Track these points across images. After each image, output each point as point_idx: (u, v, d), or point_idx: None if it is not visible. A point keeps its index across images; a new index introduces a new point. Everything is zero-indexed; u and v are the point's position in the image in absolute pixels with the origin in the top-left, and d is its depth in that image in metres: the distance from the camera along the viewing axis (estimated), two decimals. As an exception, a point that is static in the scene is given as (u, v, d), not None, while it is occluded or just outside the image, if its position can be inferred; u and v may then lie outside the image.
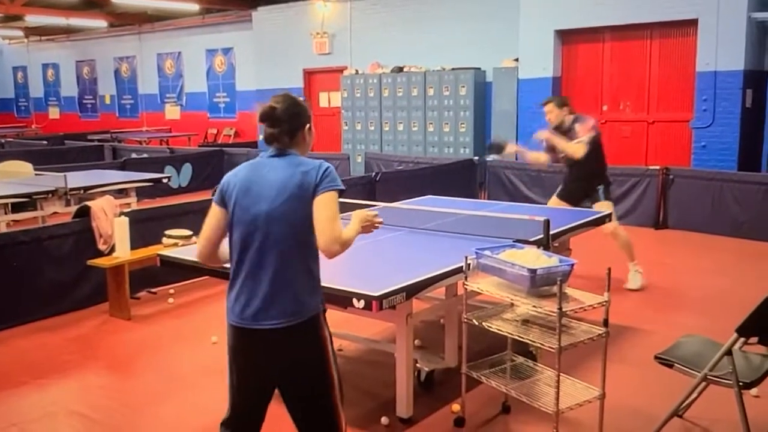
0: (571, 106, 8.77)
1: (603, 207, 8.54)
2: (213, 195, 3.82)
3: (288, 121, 3.73)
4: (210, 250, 3.84)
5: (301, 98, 3.91)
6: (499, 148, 9.41)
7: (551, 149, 8.91)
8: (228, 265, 3.81)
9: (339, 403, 3.76)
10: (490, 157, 14.33)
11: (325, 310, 3.75)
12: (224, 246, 3.84)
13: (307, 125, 3.83)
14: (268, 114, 3.73)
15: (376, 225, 3.99)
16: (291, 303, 3.57)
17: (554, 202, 9.03)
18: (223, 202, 3.74)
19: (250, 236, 3.61)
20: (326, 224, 3.52)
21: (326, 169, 3.64)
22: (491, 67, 17.52)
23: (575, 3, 15.25)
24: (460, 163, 15.32)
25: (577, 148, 8.48)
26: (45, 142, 22.58)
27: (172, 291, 8.77)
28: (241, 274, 3.66)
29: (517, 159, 14.22)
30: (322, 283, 3.78)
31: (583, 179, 8.74)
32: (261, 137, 3.81)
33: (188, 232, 8.31)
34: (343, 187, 3.68)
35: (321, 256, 3.66)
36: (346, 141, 20.07)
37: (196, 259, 4.02)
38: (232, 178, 3.76)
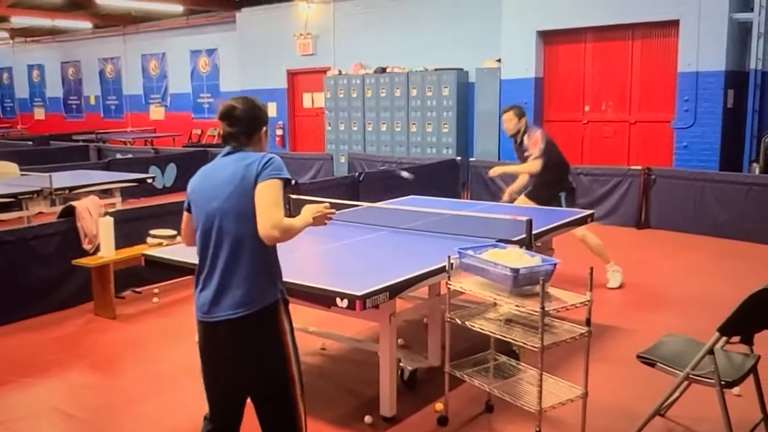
0: (526, 119, 8.87)
1: None
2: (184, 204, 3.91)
3: (246, 122, 3.80)
4: (191, 242, 3.95)
5: (260, 102, 3.96)
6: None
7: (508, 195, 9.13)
8: None
9: (299, 400, 3.77)
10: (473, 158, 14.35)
11: (286, 301, 3.77)
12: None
13: (264, 128, 3.90)
14: (228, 112, 3.80)
15: (329, 216, 3.95)
16: (242, 293, 3.61)
17: (523, 201, 9.09)
18: (188, 205, 3.89)
19: (206, 233, 3.71)
20: (263, 210, 3.54)
21: (269, 160, 3.67)
22: (474, 68, 17.57)
23: (557, 4, 15.29)
24: (442, 164, 15.36)
25: (532, 166, 8.55)
26: (30, 142, 22.52)
27: (156, 290, 8.76)
28: (201, 270, 3.75)
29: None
30: (307, 283, 3.80)
31: (543, 187, 8.78)
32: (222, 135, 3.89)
33: (173, 232, 8.32)
34: (287, 176, 3.69)
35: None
36: (330, 141, 20.05)
37: (180, 259, 4.04)
38: (192, 182, 3.88)
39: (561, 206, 8.63)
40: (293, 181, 3.79)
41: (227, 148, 3.82)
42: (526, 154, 8.66)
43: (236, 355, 3.68)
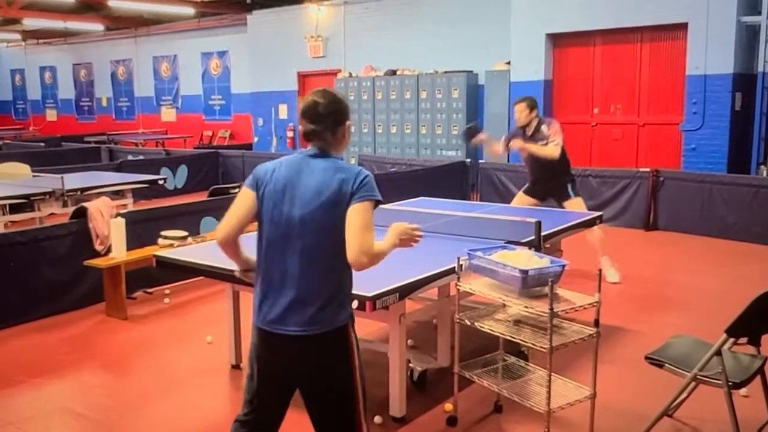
0: (538, 110, 8.91)
1: (575, 204, 8.68)
2: (246, 181, 3.65)
3: (331, 118, 3.61)
4: (234, 234, 3.67)
5: (341, 94, 3.77)
6: (473, 134, 9.45)
7: (509, 143, 9.08)
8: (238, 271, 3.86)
9: (362, 416, 3.66)
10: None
11: (353, 321, 3.67)
12: (245, 246, 3.76)
13: (348, 122, 3.70)
14: (311, 109, 3.61)
15: (416, 239, 3.84)
16: (315, 312, 3.48)
17: (520, 199, 9.14)
18: (256, 189, 3.62)
19: (280, 239, 3.53)
20: (356, 235, 3.40)
21: (364, 178, 3.50)
22: (483, 70, 17.60)
23: (566, 7, 15.31)
24: (452, 165, 15.38)
25: (552, 151, 8.61)
26: (42, 144, 22.62)
27: (167, 291, 8.81)
28: (269, 276, 3.59)
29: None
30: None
31: (552, 178, 8.88)
32: (300, 132, 3.68)
33: (184, 233, 8.37)
34: (380, 198, 3.53)
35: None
36: (340, 143, 20.04)
37: (191, 260, 3.97)
38: (270, 171, 3.63)
39: (569, 197, 8.80)
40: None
41: (313, 149, 3.62)
42: (540, 142, 8.70)
43: (303, 370, 3.58)
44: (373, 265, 3.48)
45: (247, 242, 3.73)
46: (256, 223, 3.68)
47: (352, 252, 3.40)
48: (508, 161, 14.96)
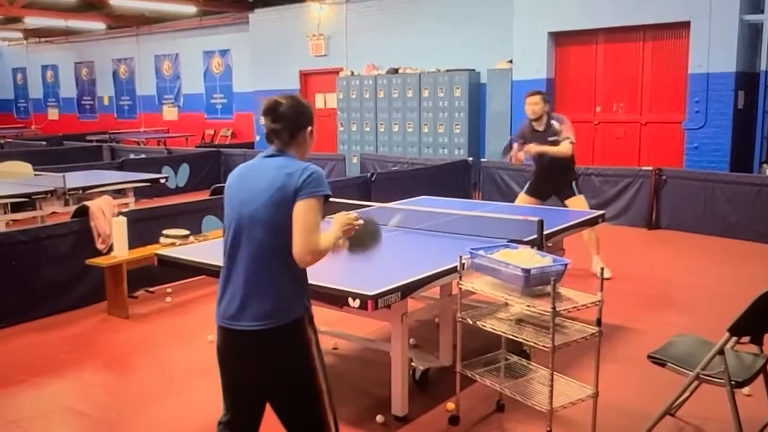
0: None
1: (578, 202, 8.68)
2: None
3: (291, 119, 3.67)
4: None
5: (306, 101, 3.84)
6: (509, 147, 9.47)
7: (521, 149, 9.06)
8: None
9: (328, 411, 3.69)
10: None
11: (311, 316, 3.68)
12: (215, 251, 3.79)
13: (309, 127, 3.75)
14: (272, 108, 3.68)
15: (356, 227, 3.88)
16: (268, 305, 3.53)
17: (522, 199, 9.14)
18: (226, 193, 3.76)
19: (235, 237, 3.61)
20: (301, 234, 3.45)
21: (310, 174, 3.53)
22: (485, 69, 17.60)
23: (569, 5, 15.29)
24: (454, 164, 15.40)
25: (567, 148, 8.60)
26: (44, 142, 22.63)
27: (169, 290, 8.82)
28: (226, 274, 3.68)
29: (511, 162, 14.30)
30: (319, 283, 3.77)
31: (559, 175, 8.87)
32: (264, 133, 3.73)
33: (185, 232, 8.38)
34: (328, 193, 3.58)
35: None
36: (342, 142, 20.11)
37: (193, 259, 3.99)
38: (230, 177, 3.77)
39: (574, 194, 8.84)
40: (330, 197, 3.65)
41: (270, 149, 3.71)
42: (551, 138, 8.70)
43: (260, 366, 3.60)
44: (318, 261, 3.54)
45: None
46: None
47: (298, 251, 3.47)
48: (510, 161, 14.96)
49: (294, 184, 3.49)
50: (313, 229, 3.48)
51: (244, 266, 3.58)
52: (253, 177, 3.64)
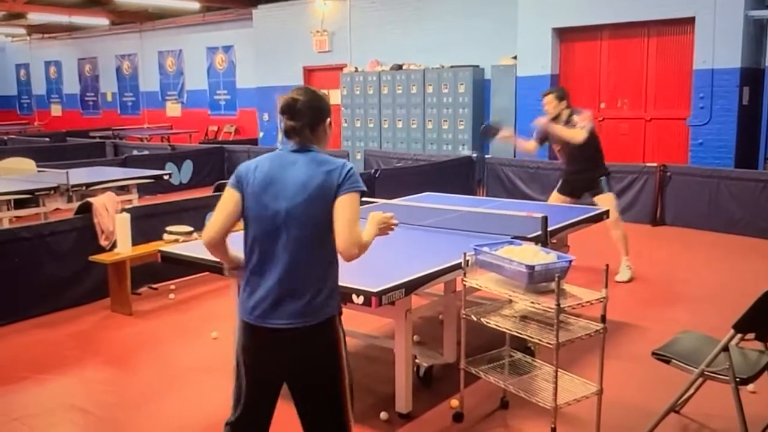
0: (569, 101, 8.81)
1: (606, 199, 8.60)
2: (230, 181, 3.66)
3: (309, 114, 3.64)
4: (221, 236, 3.67)
5: (322, 92, 3.83)
6: (494, 131, 9.38)
7: (542, 139, 9.00)
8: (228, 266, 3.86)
9: (349, 407, 3.68)
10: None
11: (341, 313, 3.68)
12: (232, 245, 3.77)
13: (328, 119, 3.74)
14: (289, 106, 3.64)
15: (392, 227, 3.90)
16: (304, 304, 3.50)
17: (555, 198, 9.07)
18: (239, 188, 3.63)
19: (267, 234, 3.54)
20: (346, 227, 3.44)
21: (349, 170, 3.56)
22: (490, 65, 17.56)
23: (573, 1, 15.26)
24: (458, 160, 15.38)
25: (576, 133, 8.51)
26: (47, 139, 22.61)
27: (173, 287, 8.81)
28: (257, 271, 3.59)
29: (515, 155, 14.30)
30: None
31: (586, 171, 8.80)
32: (280, 130, 3.69)
33: (189, 229, 8.36)
34: (364, 188, 3.58)
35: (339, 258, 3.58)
36: (346, 138, 20.08)
37: (196, 255, 3.96)
38: (252, 169, 3.65)
39: (603, 192, 8.74)
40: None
41: (293, 144, 3.65)
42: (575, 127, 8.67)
43: (290, 362, 3.58)
44: (361, 255, 3.53)
45: (235, 241, 3.72)
46: (242, 222, 3.68)
47: (345, 245, 3.45)
48: (514, 156, 14.95)
49: (336, 181, 3.51)
50: (356, 221, 3.49)
51: (278, 263, 3.54)
52: (285, 171, 3.58)
